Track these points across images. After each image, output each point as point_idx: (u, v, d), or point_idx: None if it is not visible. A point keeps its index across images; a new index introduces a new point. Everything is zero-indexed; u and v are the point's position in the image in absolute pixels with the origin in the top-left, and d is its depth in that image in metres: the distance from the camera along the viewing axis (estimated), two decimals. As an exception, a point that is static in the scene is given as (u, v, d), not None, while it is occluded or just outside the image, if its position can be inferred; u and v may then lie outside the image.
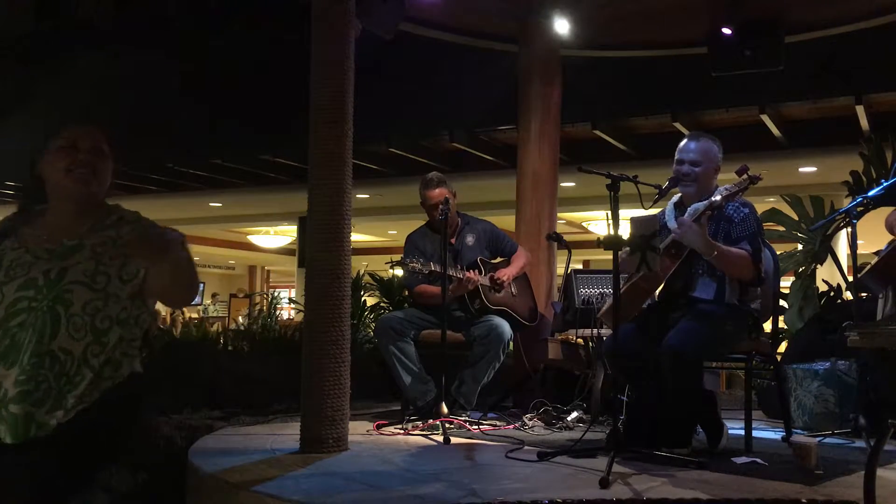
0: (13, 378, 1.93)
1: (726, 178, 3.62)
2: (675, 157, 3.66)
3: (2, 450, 1.95)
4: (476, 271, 4.60)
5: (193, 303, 21.79)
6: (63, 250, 2.03)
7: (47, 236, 2.07)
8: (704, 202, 3.47)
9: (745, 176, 3.47)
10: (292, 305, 9.57)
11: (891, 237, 3.89)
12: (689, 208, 3.57)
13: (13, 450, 1.94)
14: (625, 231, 3.39)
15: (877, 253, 3.99)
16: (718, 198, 3.43)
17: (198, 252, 20.58)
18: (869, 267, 3.85)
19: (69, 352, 1.95)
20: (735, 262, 3.44)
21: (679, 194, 3.73)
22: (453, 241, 4.73)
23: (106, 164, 2.15)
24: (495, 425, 4.30)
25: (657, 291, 3.75)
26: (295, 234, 13.69)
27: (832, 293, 5.86)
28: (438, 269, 4.37)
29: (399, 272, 5.86)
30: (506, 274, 4.67)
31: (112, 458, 2.13)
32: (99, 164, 2.13)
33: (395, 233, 16.17)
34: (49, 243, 2.05)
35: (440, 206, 4.46)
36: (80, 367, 1.96)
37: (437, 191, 4.66)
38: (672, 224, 3.62)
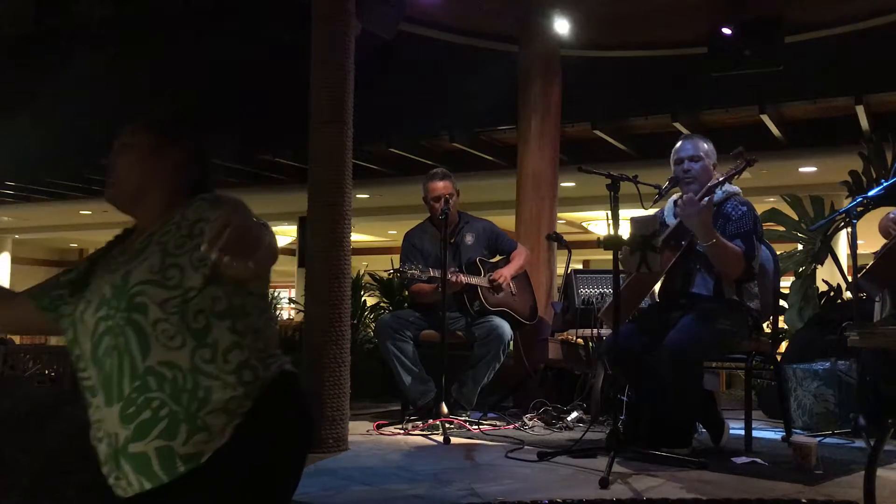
0: (117, 415, 1.53)
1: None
2: (673, 159, 3.66)
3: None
4: (468, 272, 4.59)
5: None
6: (133, 252, 1.67)
7: (128, 246, 1.75)
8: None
9: (740, 160, 3.49)
10: (292, 305, 9.56)
11: (884, 241, 3.89)
12: None
13: (158, 496, 1.52)
14: (625, 231, 3.40)
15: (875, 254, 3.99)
16: (720, 179, 3.46)
17: (198, 252, 20.53)
18: (865, 270, 3.85)
19: (174, 365, 1.54)
20: (728, 255, 3.43)
21: (680, 194, 3.73)
22: (452, 239, 4.72)
23: (125, 158, 1.76)
24: (495, 425, 4.30)
25: (657, 290, 3.76)
26: (295, 234, 13.67)
27: (832, 293, 5.85)
28: (435, 274, 4.37)
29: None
30: (502, 275, 4.65)
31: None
32: (118, 163, 1.76)
33: (394, 233, 16.15)
34: (127, 252, 1.71)
35: (442, 204, 4.46)
36: (196, 378, 1.54)
37: (441, 183, 4.63)
38: (672, 221, 3.63)
